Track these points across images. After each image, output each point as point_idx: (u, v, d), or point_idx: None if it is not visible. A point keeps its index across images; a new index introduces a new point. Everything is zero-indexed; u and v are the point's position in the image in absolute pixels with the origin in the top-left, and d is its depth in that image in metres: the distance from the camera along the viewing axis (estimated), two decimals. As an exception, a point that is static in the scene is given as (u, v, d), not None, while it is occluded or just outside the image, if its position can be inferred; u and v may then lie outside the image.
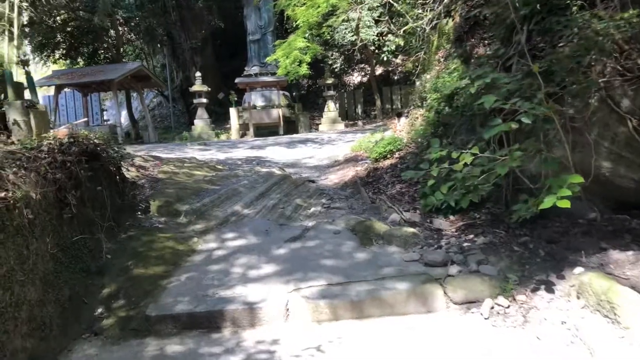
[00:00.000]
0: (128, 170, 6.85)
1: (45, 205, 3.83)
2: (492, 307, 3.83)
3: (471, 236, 5.03)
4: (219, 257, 4.93)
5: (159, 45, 26.30)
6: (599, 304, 3.31)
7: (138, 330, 3.75)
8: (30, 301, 3.24)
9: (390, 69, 27.98)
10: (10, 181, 3.39)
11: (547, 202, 3.39)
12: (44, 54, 22.27)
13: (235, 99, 21.87)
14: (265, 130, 20.60)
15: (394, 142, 8.23)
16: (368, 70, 27.42)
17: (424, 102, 9.14)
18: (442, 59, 9.95)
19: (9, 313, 2.95)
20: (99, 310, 4.02)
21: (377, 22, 23.12)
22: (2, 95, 4.88)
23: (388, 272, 4.36)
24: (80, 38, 22.88)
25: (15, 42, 7.94)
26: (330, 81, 21.96)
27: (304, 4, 18.47)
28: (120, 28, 23.84)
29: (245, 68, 23.25)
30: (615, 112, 4.09)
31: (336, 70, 25.55)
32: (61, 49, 22.89)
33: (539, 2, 4.88)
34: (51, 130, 4.93)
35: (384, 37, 24.88)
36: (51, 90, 20.97)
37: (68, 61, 24.30)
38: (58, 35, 22.04)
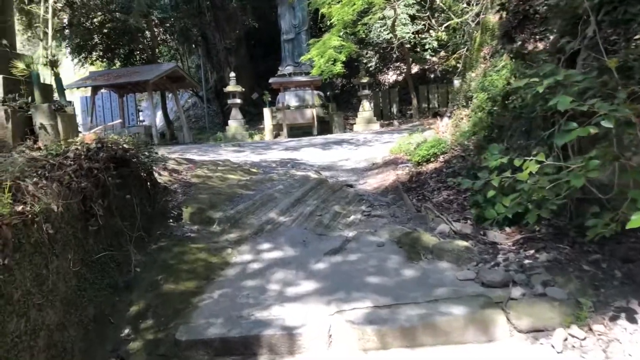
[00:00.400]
0: (160, 175, 6.60)
1: (69, 217, 3.54)
2: (566, 339, 3.33)
3: (531, 252, 4.52)
4: (254, 271, 4.57)
5: (193, 46, 26.35)
6: (702, 342, 2.79)
7: (167, 356, 3.41)
8: (49, 326, 2.94)
9: (426, 67, 27.31)
10: (29, 193, 3.10)
11: (636, 220, 2.88)
12: (82, 55, 22.54)
13: (269, 99, 21.65)
14: (298, 131, 20.29)
15: (438, 145, 7.74)
16: (404, 69, 26.81)
17: (469, 102, 8.61)
18: (487, 56, 9.38)
19: (23, 342, 2.65)
20: (126, 331, 3.71)
21: (413, 19, 22.57)
22: (30, 98, 4.64)
23: (441, 293, 3.91)
24: (116, 39, 23.08)
25: (48, 43, 7.80)
26: (365, 80, 21.48)
27: (339, 1, 18.07)
28: (155, 29, 23.95)
29: (279, 68, 23.02)
30: None
31: (371, 69, 25.06)
32: (98, 51, 23.14)
33: (612, -10, 4.34)
34: (80, 134, 4.66)
35: (420, 35, 24.29)
36: (89, 92, 21.20)
37: (105, 63, 24.57)
38: (95, 37, 22.27)
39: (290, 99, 21.32)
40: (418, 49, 25.70)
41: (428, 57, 26.75)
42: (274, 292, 4.14)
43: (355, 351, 3.42)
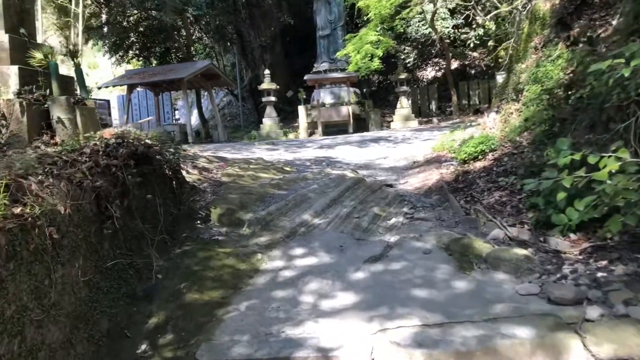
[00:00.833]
0: (188, 173, 6.24)
1: (79, 220, 3.17)
2: (660, 373, 2.75)
3: (604, 263, 3.92)
4: (286, 279, 4.12)
5: (228, 44, 26.20)
6: None
7: (185, 379, 3.00)
8: (51, 345, 2.57)
9: (466, 62, 26.38)
10: (32, 192, 2.74)
11: None
12: (118, 54, 22.69)
13: (304, 96, 21.25)
14: (334, 129, 19.81)
15: (487, 141, 7.12)
16: (443, 65, 25.95)
17: (519, 96, 7.94)
18: (539, 46, 8.67)
19: (16, 367, 2.27)
20: (143, 346, 3.31)
21: (452, 13, 21.75)
22: (48, 91, 4.33)
23: (501, 310, 3.37)
24: (152, 38, 23.14)
25: (79, 37, 7.59)
26: (403, 76, 20.79)
27: (377, -5, 17.45)
28: (190, 27, 23.91)
29: (315, 65, 22.59)
30: None
31: (409, 65, 24.34)
32: (134, 49, 23.26)
33: None
34: (105, 130, 4.32)
35: (459, 30, 23.42)
36: (125, 90, 21.30)
37: (141, 61, 24.71)
38: (131, 35, 22.38)
39: (325, 96, 20.85)
40: (458, 44, 24.87)
41: (468, 52, 25.90)
42: (307, 305, 3.68)
43: (401, 380, 2.93)
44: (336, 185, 7.03)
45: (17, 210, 2.54)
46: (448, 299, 3.63)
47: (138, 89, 23.46)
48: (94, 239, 3.37)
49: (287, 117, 23.99)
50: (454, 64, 25.16)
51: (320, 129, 19.67)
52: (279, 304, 3.70)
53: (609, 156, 3.14)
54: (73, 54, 4.63)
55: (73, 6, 7.65)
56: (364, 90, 23.69)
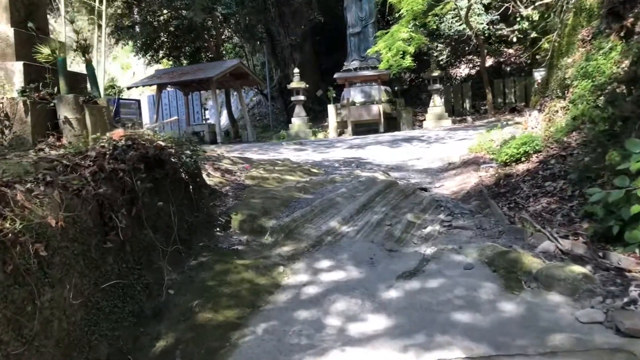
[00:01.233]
0: (209, 176, 5.90)
1: (76, 233, 2.82)
2: None
3: (680, 285, 3.36)
4: (310, 297, 3.70)
5: (258, 43, 25.97)
6: None
7: (190, 419, 2.61)
8: (32, 382, 2.21)
9: (502, 59, 25.49)
10: (17, 204, 2.39)
11: None
12: (149, 54, 22.71)
13: (334, 95, 20.81)
14: (364, 128, 19.30)
15: (530, 142, 6.54)
16: (477, 62, 25.12)
17: (566, 92, 7.32)
18: (587, 39, 8.00)
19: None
20: (147, 375, 2.95)
21: (487, 9, 20.98)
22: (56, 89, 4.02)
23: (560, 342, 2.87)
24: (182, 37, 23.08)
25: (102, 34, 7.37)
26: (436, 73, 20.13)
27: (409, -10, 16.87)
28: (220, 26, 23.78)
29: (345, 63, 22.10)
30: None
31: (442, 62, 23.62)
32: (165, 49, 23.25)
33: None
34: (114, 131, 3.98)
35: (494, 26, 22.60)
36: (155, 90, 21.30)
37: (172, 61, 24.72)
38: (161, 35, 22.36)
39: (355, 94, 20.35)
40: (493, 41, 24.00)
41: (504, 49, 24.99)
42: (333, 329, 3.24)
43: None
44: (366, 188, 6.59)
45: (-4, 224, 2.19)
46: (495, 325, 3.14)
47: (168, 89, 23.47)
48: (95, 253, 3.02)
49: (317, 117, 23.61)
50: (489, 61, 24.30)
51: (350, 128, 19.20)
52: (301, 327, 3.28)
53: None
54: (84, 49, 4.32)
55: (97, 3, 7.42)
56: (396, 88, 23.08)
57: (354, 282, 3.87)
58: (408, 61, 17.64)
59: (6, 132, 3.68)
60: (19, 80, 3.89)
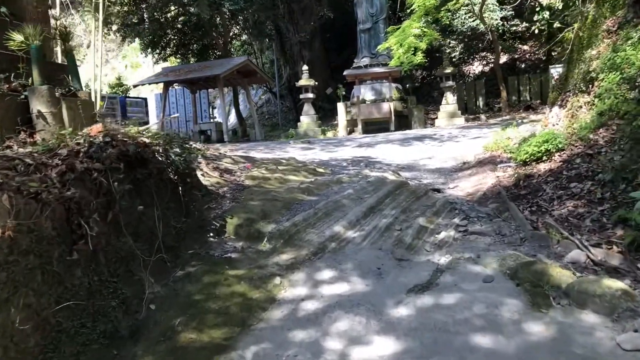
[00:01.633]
0: (204, 176, 5.50)
1: (30, 244, 2.42)
2: None
3: None
4: (308, 314, 3.27)
5: (267, 40, 25.58)
6: None
7: None
8: None
9: (516, 56, 24.86)
10: (-50, 210, 1.98)
11: None
12: (156, 51, 22.41)
13: (344, 93, 20.35)
14: (374, 126, 18.81)
15: (553, 140, 6.04)
16: (490, 59, 24.54)
17: (590, 86, 6.81)
18: (612, 29, 7.49)
19: None
20: (116, 408, 2.54)
21: (501, 4, 20.41)
22: (31, 80, 3.63)
23: (600, 376, 2.41)
24: (189, 34, 22.76)
25: (99, 26, 7.06)
26: (449, 70, 19.58)
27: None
28: (228, 23, 23.41)
29: (355, 60, 21.62)
30: None
31: (454, 59, 23.06)
32: (172, 47, 22.94)
33: None
34: (92, 126, 3.57)
35: (508, 22, 22.04)
36: (162, 88, 21.00)
37: (179, 59, 24.41)
38: (169, 32, 22.04)
39: (365, 92, 19.86)
40: (507, 37, 23.42)
41: (518, 45, 24.37)
42: (333, 353, 2.82)
43: None
44: (375, 189, 6.14)
45: None
46: (521, 351, 2.70)
47: (175, 87, 23.16)
48: (58, 266, 2.62)
49: (326, 115, 23.17)
50: (503, 58, 23.69)
51: (360, 126, 18.72)
52: (296, 350, 2.86)
53: None
54: (64, 36, 3.93)
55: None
56: (407, 86, 22.56)
57: (359, 297, 3.43)
58: (419, 58, 17.14)
59: (-30, 127, 3.30)
60: (-14, 70, 3.52)
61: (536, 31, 8.42)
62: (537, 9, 9.17)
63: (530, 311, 3.10)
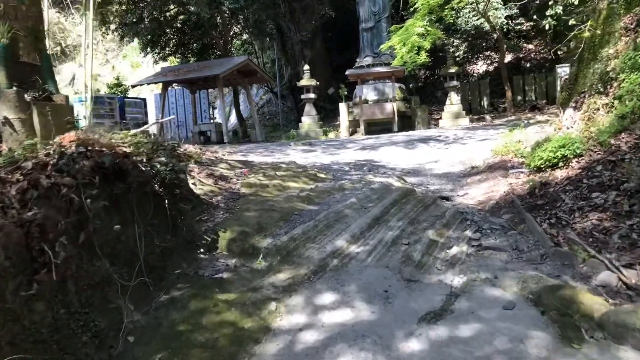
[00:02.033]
0: (195, 185, 5.11)
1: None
2: None
3: None
4: (307, 349, 2.88)
5: (267, 39, 25.18)
6: None
7: None
8: None
9: (521, 55, 24.45)
10: None
11: None
12: (155, 51, 22.03)
13: (346, 93, 19.95)
14: (377, 127, 18.41)
15: (570, 145, 5.65)
16: (494, 58, 24.14)
17: (608, 87, 6.42)
18: (631, 26, 7.10)
19: None
20: None
21: (505, 2, 20.01)
22: (-2, 83, 3.25)
23: None
24: (189, 34, 22.38)
25: (89, 24, 6.70)
26: (453, 70, 19.16)
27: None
28: (228, 22, 23.03)
29: (357, 59, 21.23)
30: None
31: (458, 58, 22.65)
32: (171, 46, 22.55)
33: None
34: (66, 134, 3.19)
35: (513, 21, 21.66)
36: (161, 88, 20.63)
37: (179, 59, 24.04)
38: (168, 31, 21.65)
39: (368, 92, 19.45)
40: (511, 36, 23.01)
41: (523, 44, 23.96)
42: (334, 399, 2.43)
43: None
44: (379, 198, 5.76)
45: None
46: (554, 399, 2.31)
47: (175, 87, 22.78)
48: (13, 301, 2.24)
49: (328, 116, 22.79)
50: (507, 57, 23.28)
51: (362, 127, 18.33)
52: (292, 395, 2.47)
53: None
54: (34, 32, 3.55)
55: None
56: (410, 85, 22.16)
57: (364, 327, 3.05)
58: (423, 57, 16.76)
59: None
60: (-55, 72, 3.15)
61: (547, 26, 7.99)
62: (550, 3, 8.80)
63: (560, 346, 2.72)
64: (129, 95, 23.85)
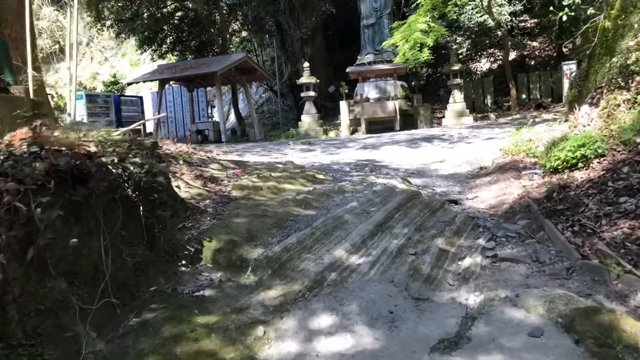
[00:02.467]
0: (180, 188, 4.65)
1: None
2: None
3: None
4: (298, 386, 2.43)
5: (267, 36, 24.70)
6: None
7: None
8: None
9: (525, 52, 23.98)
10: None
11: None
12: (151, 48, 21.56)
13: (346, 91, 19.48)
14: (379, 126, 17.94)
15: (591, 144, 5.18)
16: (498, 56, 23.66)
17: (630, 81, 5.96)
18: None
19: None
20: None
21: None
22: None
23: None
24: (187, 31, 21.92)
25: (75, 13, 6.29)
26: (456, 67, 18.68)
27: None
28: (226, 19, 22.54)
29: (358, 57, 20.75)
30: None
31: (461, 56, 22.17)
32: (168, 43, 22.08)
33: None
34: (17, 131, 2.73)
35: (517, 18, 21.20)
36: (158, 86, 20.15)
37: (176, 56, 23.57)
38: (165, 28, 21.17)
39: (369, 90, 18.98)
40: (515, 33, 22.54)
41: (527, 41, 23.48)
42: None
43: None
44: (382, 201, 5.30)
45: None
46: None
47: (172, 85, 22.32)
48: None
49: (329, 114, 22.33)
50: (512, 55, 22.79)
51: (363, 126, 17.86)
52: None
53: None
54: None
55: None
56: (412, 83, 21.69)
57: (366, 358, 2.59)
58: (425, 54, 16.33)
59: None
60: None
61: (564, 17, 7.52)
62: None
63: (602, 387, 2.26)
64: (125, 94, 23.38)
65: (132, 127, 6.21)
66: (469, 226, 4.72)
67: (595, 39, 8.74)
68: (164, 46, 21.99)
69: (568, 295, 2.99)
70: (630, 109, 5.62)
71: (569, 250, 3.70)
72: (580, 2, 7.84)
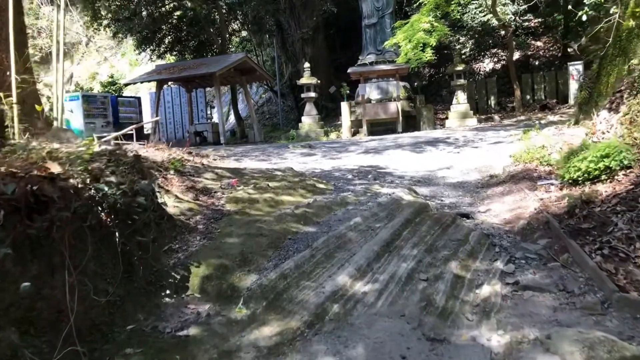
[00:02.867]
0: (166, 206, 4.23)
1: None
2: None
3: None
4: None
5: (267, 36, 24.28)
6: None
7: None
8: None
9: (529, 52, 23.55)
10: None
11: None
12: (149, 48, 21.14)
13: (348, 91, 19.07)
14: (380, 128, 17.52)
15: (616, 154, 4.76)
16: (502, 56, 23.25)
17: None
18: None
19: None
20: None
21: (513, -1, 19.25)
22: None
23: None
24: (185, 30, 21.50)
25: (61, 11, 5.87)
26: (460, 68, 18.25)
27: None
28: (226, 18, 22.12)
29: (359, 57, 20.34)
30: None
31: (464, 56, 21.75)
32: (167, 43, 21.66)
33: None
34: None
35: (521, 17, 20.81)
36: (156, 87, 19.74)
37: (175, 56, 23.15)
38: (163, 28, 20.76)
39: (371, 91, 18.56)
40: (519, 33, 22.14)
41: (532, 41, 23.07)
42: None
43: None
44: (388, 215, 4.90)
45: None
46: None
47: (171, 85, 21.92)
48: None
49: (329, 115, 21.92)
50: (515, 55, 22.38)
51: (365, 127, 17.44)
52: None
53: None
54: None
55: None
56: (415, 84, 21.26)
57: (376, 421, 2.18)
58: (428, 54, 15.94)
59: None
60: None
61: (584, 17, 7.16)
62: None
63: None
64: (123, 94, 22.97)
65: (126, 130, 5.72)
66: (484, 246, 4.30)
67: (610, 38, 8.33)
68: (163, 46, 21.58)
69: (610, 340, 2.57)
70: (657, 115, 5.21)
71: (602, 278, 3.29)
72: (603, 0, 7.43)
